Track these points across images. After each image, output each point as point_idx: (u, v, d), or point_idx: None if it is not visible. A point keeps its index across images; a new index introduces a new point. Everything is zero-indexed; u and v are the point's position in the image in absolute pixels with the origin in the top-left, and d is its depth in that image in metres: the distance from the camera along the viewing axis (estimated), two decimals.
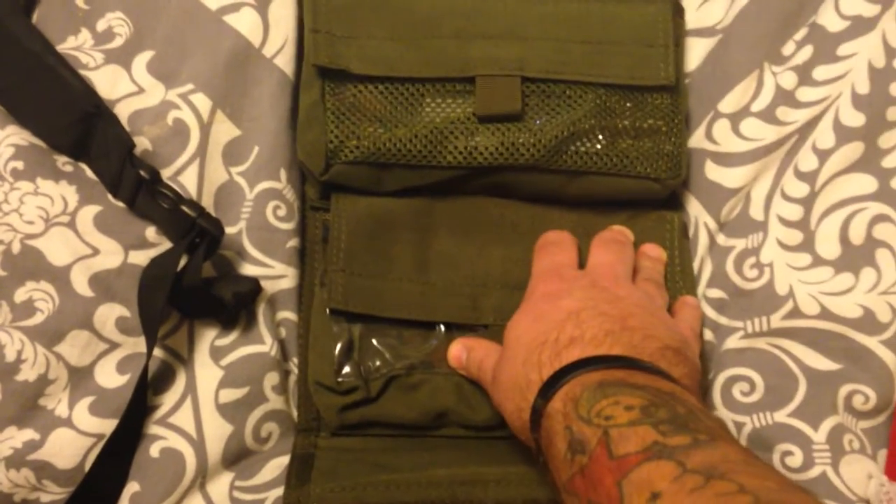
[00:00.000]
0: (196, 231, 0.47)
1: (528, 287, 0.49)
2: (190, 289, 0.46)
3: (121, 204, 0.52)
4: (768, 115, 0.57)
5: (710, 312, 0.56)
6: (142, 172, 0.47)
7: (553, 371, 0.40)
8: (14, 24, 0.51)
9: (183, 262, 0.48)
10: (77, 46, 0.56)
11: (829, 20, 0.57)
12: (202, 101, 0.54)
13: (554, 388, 0.39)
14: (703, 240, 0.57)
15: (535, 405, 0.40)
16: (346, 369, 0.51)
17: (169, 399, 0.50)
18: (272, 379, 0.51)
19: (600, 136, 0.54)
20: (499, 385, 0.45)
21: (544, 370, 0.40)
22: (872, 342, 0.53)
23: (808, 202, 0.55)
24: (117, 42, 0.56)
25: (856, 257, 0.54)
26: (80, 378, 0.49)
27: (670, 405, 0.35)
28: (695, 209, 0.57)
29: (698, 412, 0.36)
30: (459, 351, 0.51)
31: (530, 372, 0.41)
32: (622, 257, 0.50)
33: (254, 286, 0.50)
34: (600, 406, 0.35)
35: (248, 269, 0.53)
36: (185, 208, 0.47)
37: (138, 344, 0.51)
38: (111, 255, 0.51)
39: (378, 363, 0.52)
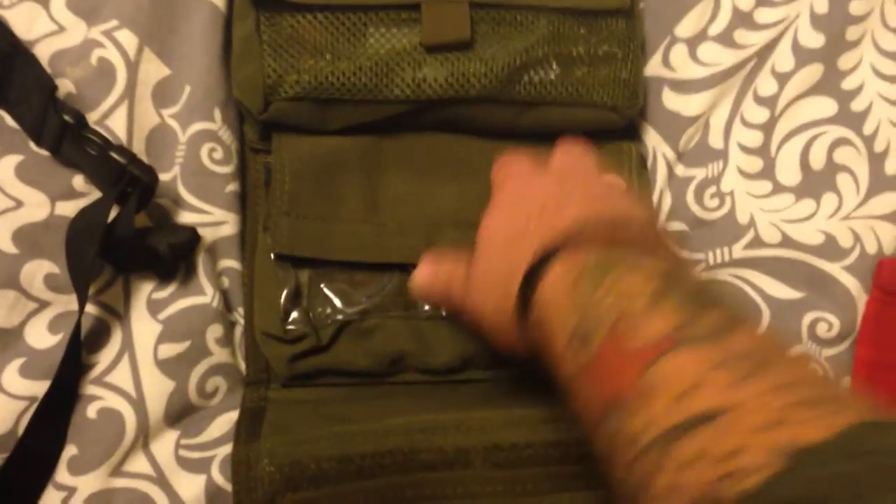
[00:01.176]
0: (127, 179, 0.43)
1: (492, 195, 0.44)
2: (123, 241, 0.42)
3: (44, 152, 0.47)
4: (726, 39, 0.54)
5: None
6: (66, 117, 0.43)
7: (538, 255, 0.35)
8: None
9: (114, 212, 0.43)
10: None
11: None
12: (128, 38, 0.49)
13: (545, 267, 0.35)
14: (661, 171, 0.54)
15: (523, 292, 0.36)
16: (294, 316, 0.47)
17: (105, 357, 0.46)
18: (215, 331, 0.48)
19: (554, 65, 0.50)
20: (475, 286, 0.40)
21: (528, 256, 0.36)
22: (835, 268, 0.51)
23: (767, 128, 0.53)
24: None
25: (816, 183, 0.52)
26: (8, 339, 0.45)
27: (681, 283, 0.31)
28: (652, 140, 0.54)
29: (715, 289, 0.32)
30: (426, 273, 0.45)
31: (512, 261, 0.37)
32: (587, 159, 0.46)
33: (191, 236, 0.46)
34: (606, 285, 0.31)
35: (186, 217, 0.49)
36: (114, 155, 0.43)
37: (70, 302, 0.46)
38: (36, 208, 0.47)
39: (328, 310, 0.48)
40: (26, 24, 0.50)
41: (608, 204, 0.38)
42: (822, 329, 0.51)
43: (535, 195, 0.39)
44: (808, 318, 0.51)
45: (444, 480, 0.42)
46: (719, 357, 0.27)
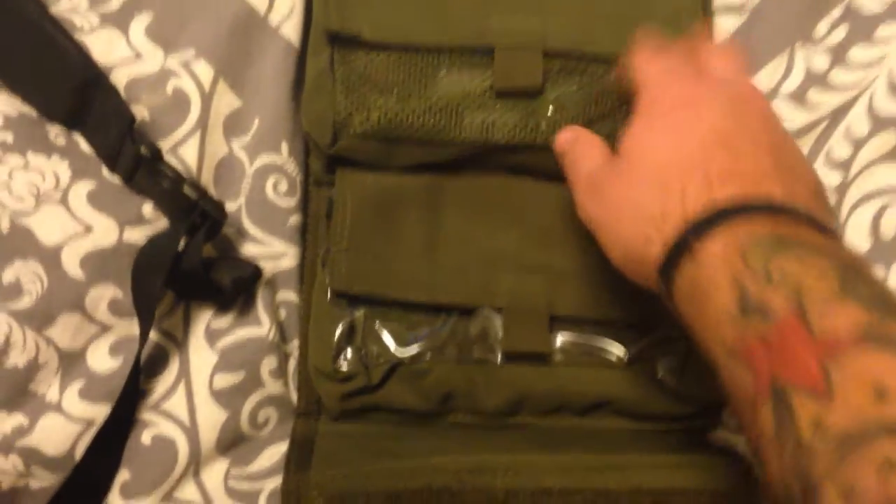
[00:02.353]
0: (197, 213, 0.42)
1: (640, 96, 0.39)
2: (188, 272, 0.42)
3: (116, 179, 0.47)
4: (798, 98, 0.52)
5: None
6: (143, 149, 0.42)
7: (706, 209, 0.32)
8: None
9: (181, 243, 0.43)
10: (71, 8, 0.50)
11: (866, 1, 0.52)
12: (204, 69, 0.49)
13: (710, 228, 0.31)
14: None
15: (682, 241, 0.32)
16: (347, 355, 0.47)
17: (162, 384, 0.46)
18: (269, 363, 0.47)
19: (622, 116, 0.49)
20: (609, 204, 0.37)
21: (690, 203, 0.32)
22: None
23: (840, 191, 0.51)
24: (114, 3, 0.51)
25: (885, 252, 0.50)
26: (70, 362, 0.45)
27: (867, 279, 0.28)
28: None
29: (889, 289, 0.29)
30: (566, 135, 0.44)
31: (669, 200, 0.33)
32: (748, 77, 0.41)
33: (254, 271, 0.45)
34: (782, 264, 0.28)
35: (248, 248, 0.49)
36: (186, 189, 0.42)
37: (131, 326, 0.46)
38: (105, 233, 0.47)
39: (381, 349, 0.47)
40: (105, 50, 0.50)
41: (788, 157, 0.35)
42: None
43: (705, 117, 0.35)
44: None
45: None
46: None
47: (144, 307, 0.43)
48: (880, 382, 0.25)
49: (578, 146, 0.42)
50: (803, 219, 0.31)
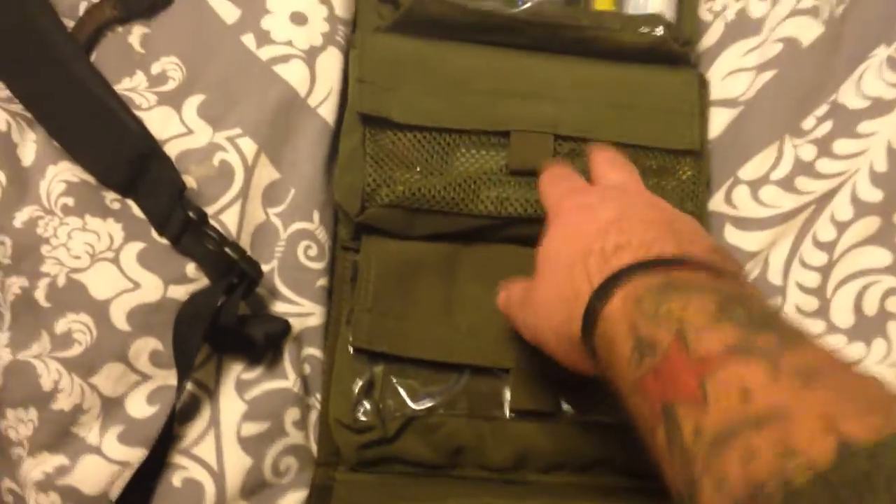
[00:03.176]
0: (236, 272, 0.46)
1: (548, 215, 0.44)
2: (225, 328, 0.45)
3: (163, 241, 0.51)
4: (787, 184, 0.56)
5: None
6: (191, 214, 0.46)
7: (605, 276, 0.35)
8: (78, 67, 0.51)
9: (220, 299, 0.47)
10: (132, 87, 0.55)
11: (850, 99, 0.57)
12: (248, 145, 0.53)
13: (610, 289, 0.34)
14: None
15: (590, 308, 0.35)
16: (365, 407, 0.50)
17: (193, 430, 0.49)
18: (293, 414, 0.50)
19: None
20: (534, 307, 0.41)
21: (594, 278, 0.36)
22: None
23: (825, 271, 0.54)
24: (170, 85, 0.55)
25: (868, 328, 0.53)
26: (111, 408, 0.48)
27: (747, 304, 0.31)
28: None
29: (776, 311, 0.32)
30: (501, 294, 0.48)
31: (577, 283, 0.36)
32: (635, 174, 0.46)
33: (284, 327, 0.49)
34: (669, 306, 0.31)
35: (278, 307, 0.52)
36: (228, 250, 0.46)
37: (169, 377, 0.50)
38: (151, 290, 0.50)
39: (397, 403, 0.50)
40: (160, 126, 0.54)
41: (679, 226, 0.38)
42: None
43: (599, 215, 0.39)
44: None
45: None
46: (776, 368, 0.27)
47: (183, 358, 0.46)
48: (745, 386, 0.27)
49: (504, 290, 0.47)
50: (697, 265, 0.34)
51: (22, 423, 0.47)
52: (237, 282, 0.46)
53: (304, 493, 0.50)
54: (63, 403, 0.47)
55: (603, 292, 0.35)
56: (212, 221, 0.51)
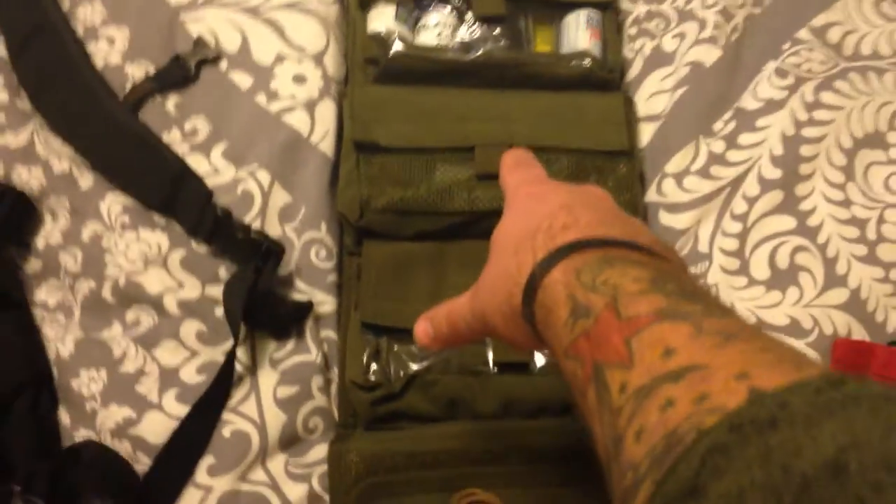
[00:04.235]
0: (264, 251, 0.60)
1: (505, 200, 0.47)
2: (262, 298, 0.59)
3: (201, 248, 0.66)
4: (705, 173, 0.71)
5: None
6: (219, 211, 0.61)
7: (549, 251, 0.37)
8: (125, 119, 0.68)
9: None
10: (169, 141, 0.72)
11: (749, 103, 0.73)
12: (264, 176, 0.69)
13: (553, 262, 0.37)
14: None
15: (532, 277, 0.37)
16: (374, 368, 0.63)
17: (238, 393, 0.63)
18: (317, 381, 0.63)
19: None
20: (485, 287, 0.43)
21: (539, 252, 0.38)
22: (800, 345, 0.65)
23: (742, 237, 0.68)
24: (200, 137, 0.72)
25: (782, 278, 0.67)
26: (169, 375, 0.62)
27: (679, 280, 0.34)
28: None
29: (706, 290, 0.37)
30: (423, 327, 0.49)
31: (522, 258, 0.39)
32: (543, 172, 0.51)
33: (307, 304, 0.63)
34: (605, 275, 0.34)
35: (298, 297, 0.66)
36: (254, 235, 0.61)
37: (213, 353, 0.64)
38: (192, 288, 0.65)
39: (400, 365, 0.63)
40: (193, 167, 0.70)
41: (624, 219, 0.41)
42: None
43: (550, 201, 0.42)
44: None
45: (486, 473, 0.55)
46: (698, 330, 0.29)
47: (234, 321, 0.60)
48: (668, 344, 0.29)
49: (438, 313, 0.49)
50: (636, 247, 0.37)
51: (93, 382, 0.60)
52: (264, 262, 0.60)
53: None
54: (128, 366, 0.60)
55: (546, 263, 0.37)
56: None
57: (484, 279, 0.44)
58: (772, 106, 0.73)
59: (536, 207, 0.42)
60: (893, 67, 0.74)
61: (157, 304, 0.64)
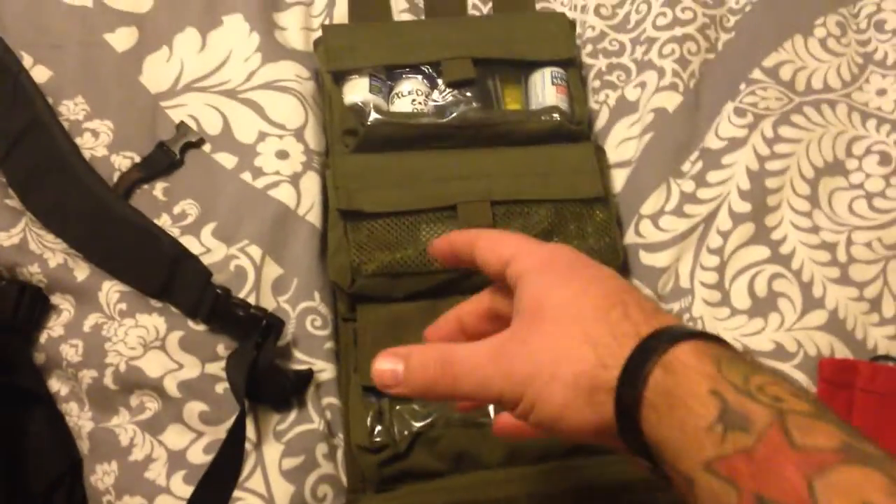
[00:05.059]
0: (264, 326, 0.61)
1: (524, 260, 0.39)
2: (263, 372, 0.60)
3: (199, 327, 0.66)
4: (679, 212, 0.73)
5: None
6: (219, 291, 0.62)
7: (654, 328, 0.33)
8: (118, 206, 0.68)
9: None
10: (160, 225, 0.72)
11: (713, 142, 0.76)
12: (255, 251, 0.70)
13: (670, 340, 0.32)
14: None
15: (644, 349, 0.32)
16: (378, 429, 0.63)
17: (244, 469, 0.62)
18: (322, 449, 0.63)
19: (555, 238, 0.70)
20: (530, 356, 0.35)
21: (641, 326, 0.33)
22: (787, 367, 0.66)
23: (720, 269, 0.70)
24: (189, 219, 0.73)
25: (762, 306, 0.69)
26: (177, 458, 0.61)
27: (821, 404, 0.30)
28: (638, 288, 0.71)
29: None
30: (390, 367, 0.41)
31: (618, 326, 0.33)
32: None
33: (308, 373, 0.63)
34: (758, 380, 0.30)
35: (297, 367, 0.66)
36: (254, 311, 0.61)
37: (218, 431, 0.63)
38: (192, 368, 0.65)
39: (403, 424, 0.64)
40: None
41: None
42: None
43: (609, 274, 0.38)
44: None
45: None
46: (891, 481, 0.25)
47: (238, 394, 0.60)
48: (866, 498, 0.25)
49: (415, 358, 0.41)
50: (722, 344, 0.33)
51: (107, 475, 0.60)
52: (264, 337, 0.61)
53: None
54: (137, 455, 0.60)
55: (665, 338, 0.32)
56: None
57: (532, 345, 0.35)
58: (735, 143, 0.75)
59: (597, 277, 0.37)
60: (844, 99, 0.78)
61: (158, 387, 0.64)
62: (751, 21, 0.82)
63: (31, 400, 0.64)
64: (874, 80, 0.79)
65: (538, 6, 0.88)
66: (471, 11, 0.87)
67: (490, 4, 0.87)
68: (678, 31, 0.81)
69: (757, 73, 0.78)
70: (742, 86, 0.78)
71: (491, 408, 0.66)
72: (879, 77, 0.79)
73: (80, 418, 0.64)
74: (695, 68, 0.80)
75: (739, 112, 0.77)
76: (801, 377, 0.66)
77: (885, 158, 0.74)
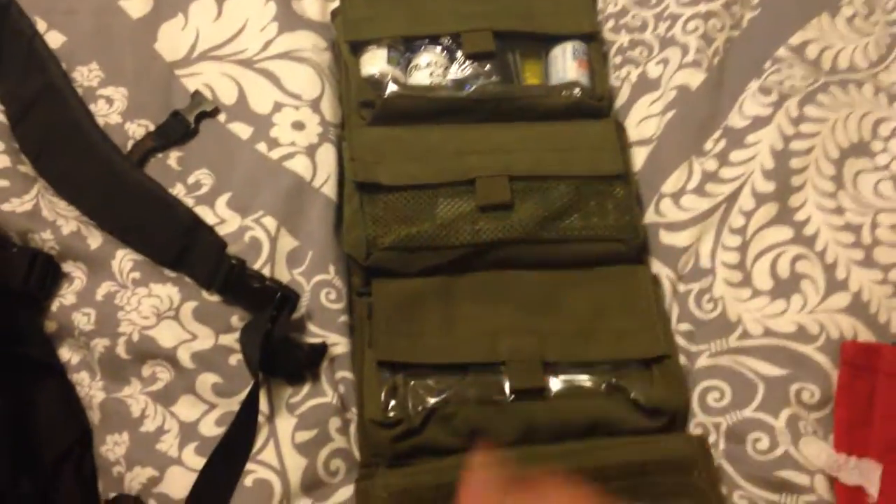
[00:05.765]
0: (279, 298, 0.60)
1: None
2: (278, 345, 0.58)
3: (213, 298, 0.65)
4: (700, 191, 0.71)
5: (682, 342, 0.68)
6: (234, 261, 0.61)
7: None
8: (133, 174, 0.67)
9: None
10: (174, 195, 0.70)
11: (737, 121, 0.73)
12: (270, 222, 0.69)
13: None
14: (668, 289, 0.69)
15: None
16: (392, 404, 0.62)
17: (257, 442, 0.61)
18: (335, 423, 0.62)
19: (574, 215, 0.68)
20: None
21: None
22: (809, 349, 0.64)
23: (742, 249, 0.68)
24: (204, 189, 0.71)
25: (785, 287, 0.67)
26: (188, 429, 0.60)
27: None
28: (658, 267, 0.71)
29: None
30: None
31: None
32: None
33: (322, 346, 0.62)
34: None
35: (311, 341, 0.65)
36: (269, 283, 0.60)
37: (230, 404, 0.62)
38: (206, 339, 0.64)
39: (418, 400, 0.62)
40: None
41: None
42: (806, 396, 0.63)
43: None
44: (794, 388, 0.63)
45: None
46: None
47: (252, 365, 0.59)
48: None
49: None
50: None
51: (118, 446, 0.59)
52: (279, 310, 0.59)
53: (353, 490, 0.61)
54: (149, 426, 0.59)
55: None
56: None
57: None
58: (759, 122, 0.73)
59: None
60: (871, 79, 0.75)
61: (171, 357, 0.62)
62: None
63: (41, 370, 0.63)
64: None
65: None
66: None
67: None
68: (702, 8, 0.79)
69: (782, 52, 0.76)
70: (767, 64, 0.76)
71: (506, 385, 0.64)
72: None
73: (91, 388, 0.63)
74: (719, 45, 0.78)
75: (764, 90, 0.74)
76: (823, 359, 0.64)
77: None
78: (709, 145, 0.74)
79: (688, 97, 0.76)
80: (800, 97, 0.74)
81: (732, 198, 0.71)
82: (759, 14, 0.80)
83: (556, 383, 0.65)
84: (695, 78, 0.76)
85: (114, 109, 0.73)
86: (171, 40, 0.77)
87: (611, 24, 0.82)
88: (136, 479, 0.59)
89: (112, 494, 0.59)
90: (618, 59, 0.80)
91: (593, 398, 0.64)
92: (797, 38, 0.77)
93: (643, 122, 0.77)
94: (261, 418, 0.62)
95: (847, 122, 0.73)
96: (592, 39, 0.78)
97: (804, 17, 0.78)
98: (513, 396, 0.64)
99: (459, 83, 0.75)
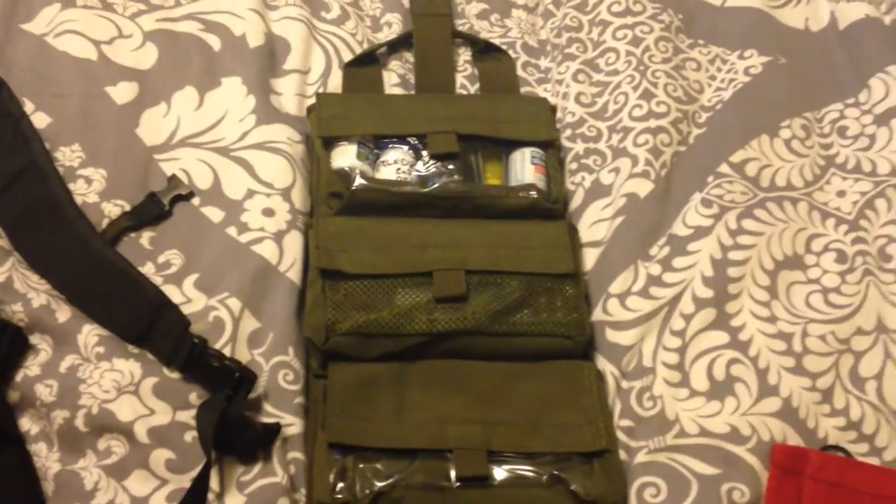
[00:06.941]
0: (238, 378, 0.62)
1: None
2: (232, 423, 0.60)
3: (174, 375, 0.66)
4: (645, 293, 0.75)
5: (623, 437, 0.71)
6: (196, 340, 0.63)
7: None
8: (104, 252, 0.69)
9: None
10: (144, 272, 0.72)
11: (680, 229, 0.78)
12: (235, 303, 0.71)
13: None
14: (612, 385, 0.73)
15: None
16: (340, 486, 0.63)
17: None
18: (283, 503, 0.63)
19: (525, 311, 0.71)
20: None
21: None
22: (741, 450, 0.67)
23: (681, 351, 0.72)
24: (173, 269, 0.74)
25: (720, 389, 0.70)
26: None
27: None
28: (603, 364, 0.74)
29: None
30: None
31: None
32: None
33: (276, 427, 0.64)
34: None
35: (265, 420, 0.66)
36: (228, 363, 0.62)
37: (182, 480, 0.63)
38: (163, 415, 0.65)
39: (366, 483, 0.64)
40: None
41: None
42: (737, 496, 0.65)
43: None
44: (726, 487, 0.66)
45: None
46: None
47: (205, 443, 0.60)
48: None
49: None
50: None
51: None
52: (236, 389, 0.61)
53: None
54: (100, 499, 0.59)
55: None
56: None
57: None
58: (700, 232, 0.78)
59: None
60: (805, 197, 0.81)
61: (127, 432, 0.64)
62: (721, 118, 0.86)
63: (1, 440, 0.64)
64: (835, 181, 0.83)
65: (522, 90, 0.91)
66: (459, 90, 0.90)
67: (477, 85, 0.91)
68: (653, 123, 0.84)
69: (724, 168, 0.82)
70: (710, 178, 0.81)
71: (452, 472, 0.66)
72: (840, 179, 0.83)
73: (47, 459, 0.64)
74: (666, 158, 0.83)
75: (706, 203, 0.79)
76: (754, 461, 0.67)
77: (841, 257, 0.77)
78: (654, 250, 0.78)
79: (636, 204, 0.80)
80: (739, 211, 0.79)
81: (674, 301, 0.75)
82: (705, 132, 0.86)
83: (500, 472, 0.67)
84: (643, 187, 0.81)
85: (92, 189, 0.76)
86: (153, 126, 0.81)
87: (568, 132, 0.87)
88: None
89: None
90: (573, 166, 0.85)
91: (535, 488, 0.66)
92: (738, 156, 0.82)
93: (595, 224, 0.81)
94: (210, 496, 0.63)
95: (782, 236, 0.78)
96: (550, 146, 0.84)
97: (746, 138, 0.84)
98: (458, 483, 0.66)
99: (424, 180, 0.79)
